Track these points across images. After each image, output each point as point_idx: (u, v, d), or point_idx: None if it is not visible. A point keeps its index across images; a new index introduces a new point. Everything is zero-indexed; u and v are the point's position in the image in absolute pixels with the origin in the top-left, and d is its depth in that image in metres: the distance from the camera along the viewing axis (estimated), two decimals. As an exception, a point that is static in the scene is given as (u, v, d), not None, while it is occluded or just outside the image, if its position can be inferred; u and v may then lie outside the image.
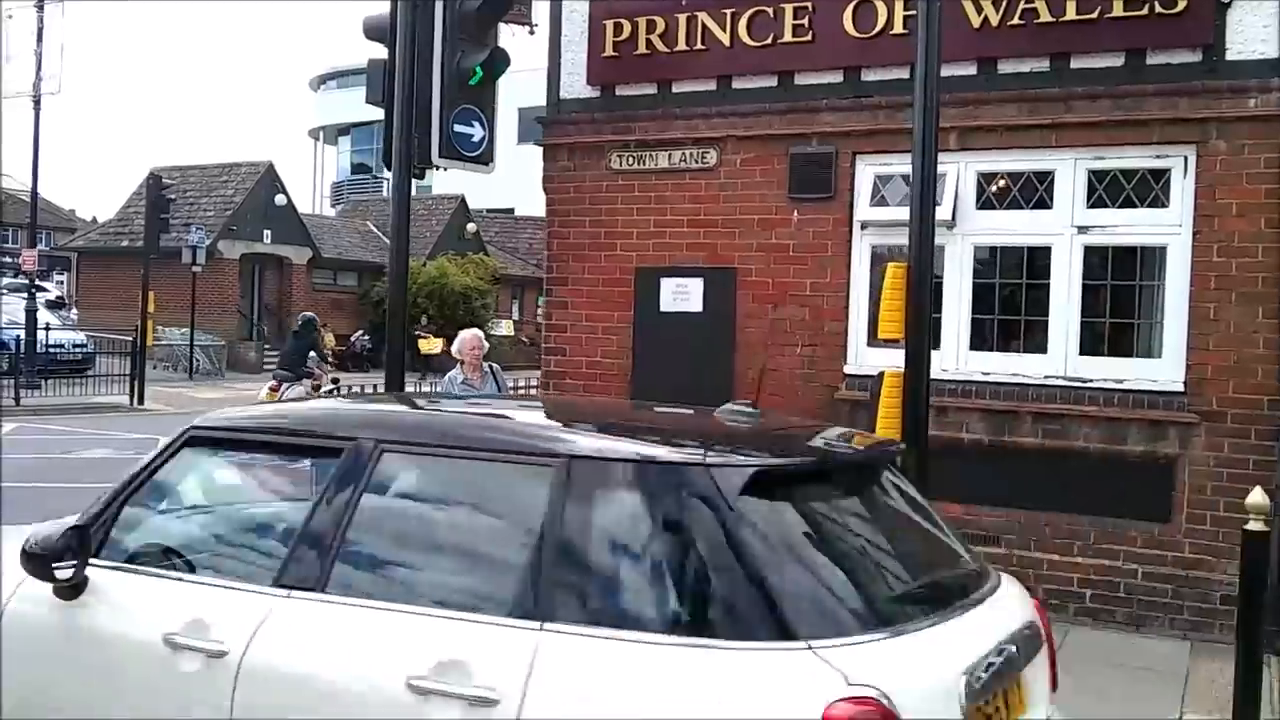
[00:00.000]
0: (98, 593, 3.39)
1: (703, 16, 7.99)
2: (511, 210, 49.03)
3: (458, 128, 7.30)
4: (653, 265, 8.22)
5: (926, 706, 2.58)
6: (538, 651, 2.71)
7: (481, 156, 7.48)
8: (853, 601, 2.79)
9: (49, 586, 3.36)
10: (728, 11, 7.91)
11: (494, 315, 37.93)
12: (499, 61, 7.32)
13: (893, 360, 7.30)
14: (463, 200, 39.96)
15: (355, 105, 67.31)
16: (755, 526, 2.80)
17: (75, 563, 3.34)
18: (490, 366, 8.29)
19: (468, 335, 8.32)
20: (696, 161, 8.09)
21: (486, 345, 8.39)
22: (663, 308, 8.18)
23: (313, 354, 16.31)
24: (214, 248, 29.42)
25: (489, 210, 44.70)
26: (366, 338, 32.97)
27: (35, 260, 23.74)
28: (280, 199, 32.61)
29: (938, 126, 5.69)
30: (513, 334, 39.33)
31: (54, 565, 3.32)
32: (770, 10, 7.79)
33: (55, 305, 35.43)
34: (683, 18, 8.05)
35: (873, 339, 7.65)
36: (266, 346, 31.96)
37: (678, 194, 8.17)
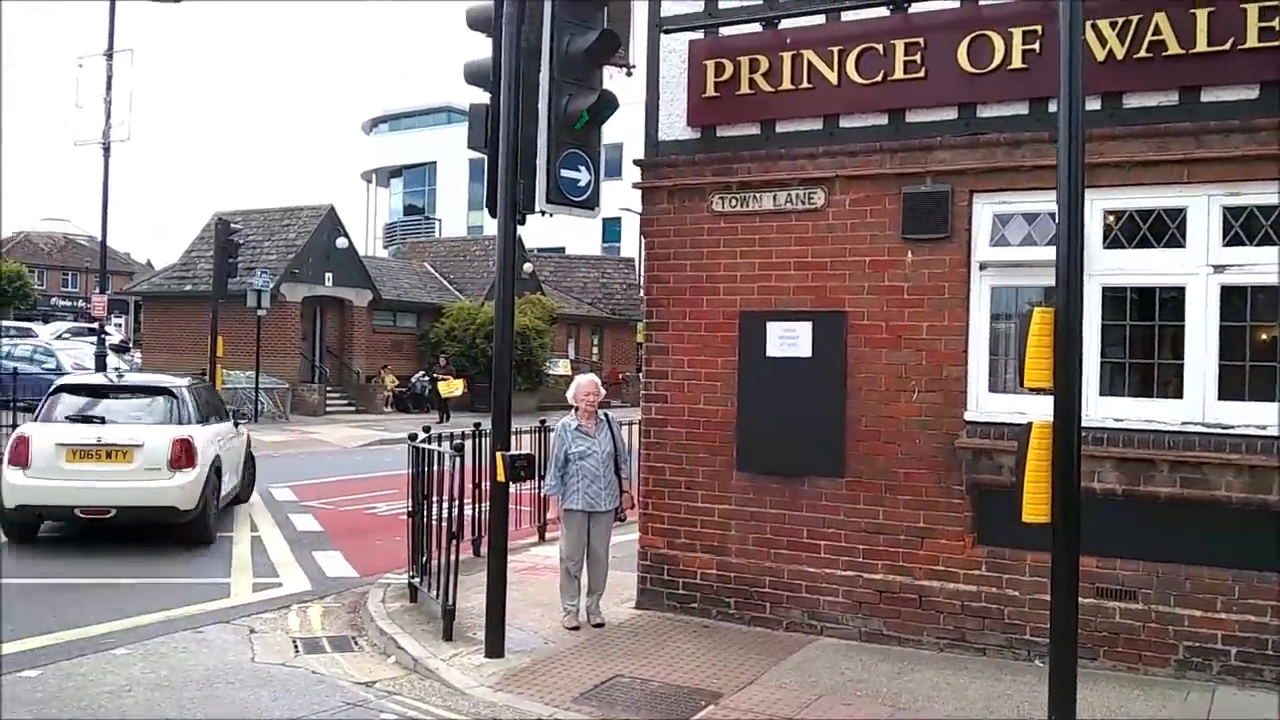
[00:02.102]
0: None
1: (808, 54, 7.80)
2: (563, 249, 49.19)
3: (564, 172, 7.14)
4: (758, 309, 8.00)
5: None
6: None
7: (588, 201, 7.31)
8: None
9: None
10: (835, 49, 7.72)
11: (551, 354, 37.90)
12: (607, 105, 7.17)
13: (1017, 406, 7.08)
14: (520, 241, 40.09)
15: (406, 148, 68.09)
16: None
17: None
18: (605, 414, 8.07)
19: (584, 382, 8.11)
20: (803, 202, 7.88)
21: (603, 392, 8.18)
22: (769, 353, 7.94)
23: None
24: (277, 291, 29.64)
25: (541, 250, 44.85)
26: (427, 379, 33.00)
27: (105, 305, 24.02)
28: (341, 241, 32.86)
29: (1084, 162, 5.43)
30: (569, 373, 39.25)
31: None
32: (880, 47, 7.59)
33: (119, 349, 35.79)
34: (787, 56, 7.87)
35: (994, 385, 7.36)
36: (328, 389, 32.09)
37: (783, 236, 7.95)
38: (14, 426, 16.77)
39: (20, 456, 11.08)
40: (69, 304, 70.33)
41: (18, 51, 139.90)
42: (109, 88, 23.78)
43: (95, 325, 23.97)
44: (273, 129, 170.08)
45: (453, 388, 30.31)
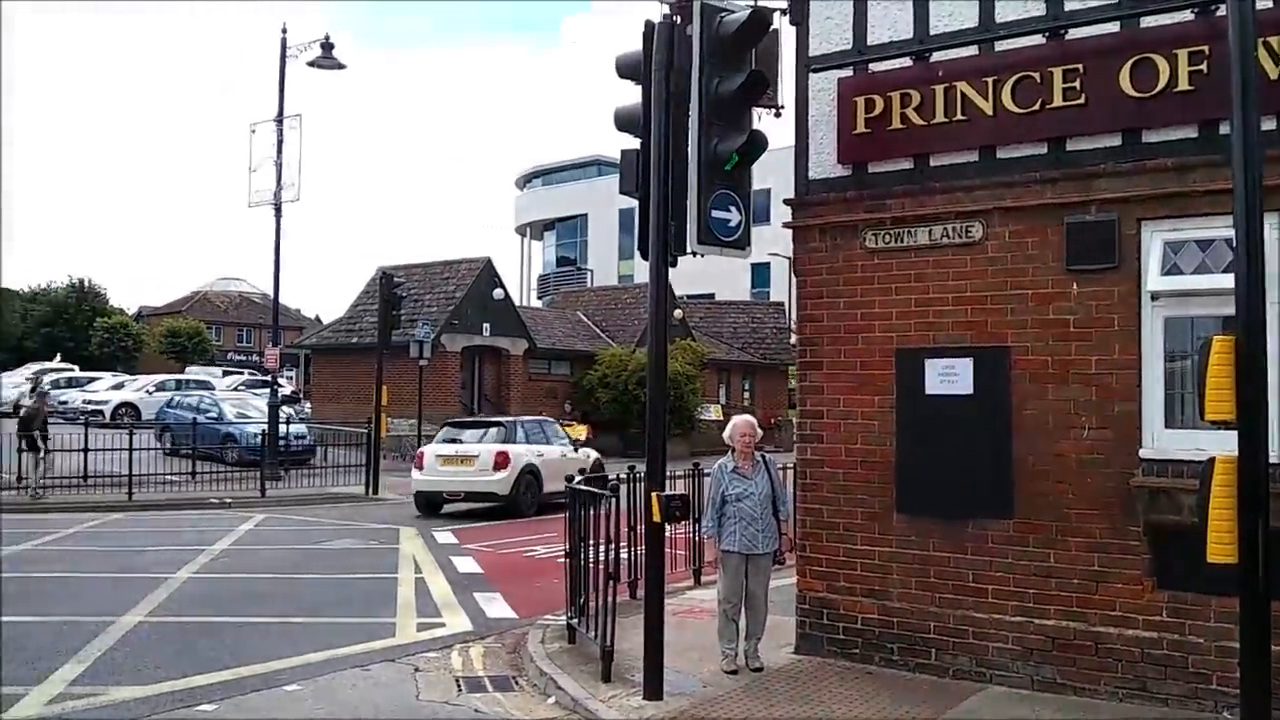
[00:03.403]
0: None
1: (962, 86, 7.66)
2: (712, 295, 49.33)
3: (715, 213, 7.17)
4: (915, 346, 7.84)
5: None
6: None
7: (738, 241, 7.31)
8: None
9: None
10: (989, 80, 7.56)
11: (702, 400, 37.94)
12: (756, 145, 7.18)
13: (1195, 442, 6.69)
14: (669, 288, 40.42)
15: (558, 201, 69.71)
16: None
17: None
18: (762, 455, 8.01)
19: (740, 422, 8.08)
20: (960, 236, 7.70)
21: (760, 433, 8.13)
22: (928, 390, 7.76)
23: None
24: (437, 341, 30.62)
25: (690, 296, 45.09)
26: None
27: (278, 358, 25.22)
28: (498, 293, 33.78)
29: (1261, 184, 5.16)
30: (720, 418, 39.16)
31: None
32: (1037, 75, 7.40)
33: (290, 399, 37.50)
34: (940, 89, 7.75)
35: (1170, 420, 7.00)
36: (486, 436, 32.87)
37: (940, 271, 7.79)
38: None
39: (419, 463, 19.79)
40: (243, 358, 74.19)
41: (198, 124, 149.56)
42: (279, 151, 25.12)
43: (269, 377, 25.16)
44: (431, 187, 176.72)
45: (578, 434, 30.50)
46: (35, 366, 49.64)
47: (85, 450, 22.39)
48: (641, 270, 58.04)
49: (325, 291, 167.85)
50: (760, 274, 52.67)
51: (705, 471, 11.66)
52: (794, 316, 42.19)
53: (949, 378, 7.68)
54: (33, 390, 24.66)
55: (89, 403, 38.16)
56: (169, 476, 22.84)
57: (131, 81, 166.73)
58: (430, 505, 19.45)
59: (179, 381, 39.82)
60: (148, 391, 37.86)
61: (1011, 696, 7.23)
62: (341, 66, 24.20)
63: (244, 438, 25.85)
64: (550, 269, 68.14)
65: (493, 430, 20.16)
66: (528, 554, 14.74)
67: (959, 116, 7.68)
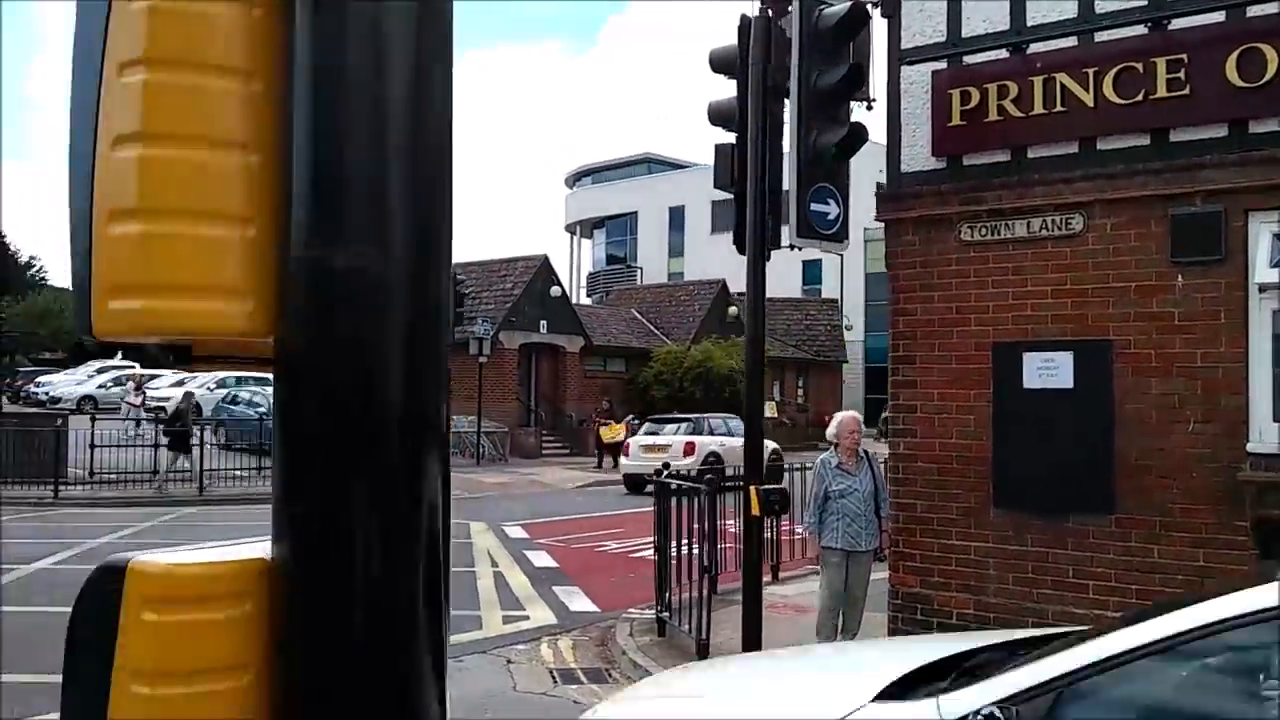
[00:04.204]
0: None
1: (1061, 77, 7.59)
2: (766, 292, 49.17)
3: (814, 206, 7.18)
4: (1013, 340, 7.77)
5: None
6: None
7: (837, 234, 7.32)
8: None
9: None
10: (1089, 71, 7.49)
11: (757, 397, 37.82)
12: (857, 137, 7.18)
13: (1308, 437, 6.59)
14: (724, 285, 40.39)
15: (608, 200, 69.79)
16: None
17: None
18: (865, 452, 8.00)
19: (846, 419, 8.08)
20: (1060, 228, 7.64)
21: (864, 429, 8.12)
22: (1026, 385, 7.69)
23: None
24: (496, 338, 30.79)
25: (741, 294, 44.93)
26: (637, 421, 33.47)
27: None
28: (555, 290, 33.93)
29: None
30: (774, 415, 39.07)
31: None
32: (1139, 66, 7.31)
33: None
34: (1038, 80, 7.68)
35: (1279, 414, 6.91)
36: (544, 432, 33.02)
37: (1038, 264, 7.72)
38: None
39: (625, 451, 25.14)
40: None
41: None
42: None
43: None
44: (479, 186, 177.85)
45: (615, 432, 30.41)
46: (96, 364, 50.55)
47: (156, 446, 22.79)
48: (692, 268, 57.82)
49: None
50: (812, 271, 52.44)
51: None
52: (844, 310, 41.81)
53: (1048, 372, 7.61)
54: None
55: (153, 400, 38.85)
56: (236, 471, 23.18)
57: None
58: (635, 485, 23.20)
59: (239, 378, 40.35)
60: (209, 389, 38.42)
61: (1114, 693, 7.15)
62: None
63: None
64: (600, 266, 68.26)
65: (684, 424, 25.62)
66: (599, 549, 14.82)
67: (1058, 108, 7.61)
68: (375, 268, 1.32)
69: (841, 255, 47.50)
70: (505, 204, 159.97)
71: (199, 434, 22.44)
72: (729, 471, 19.93)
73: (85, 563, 12.83)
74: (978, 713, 3.07)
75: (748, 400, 7.47)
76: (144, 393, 31.21)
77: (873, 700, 3.41)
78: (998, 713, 3.05)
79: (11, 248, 77.47)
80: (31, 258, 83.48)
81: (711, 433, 25.47)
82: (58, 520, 17.29)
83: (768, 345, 40.91)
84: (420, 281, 1.37)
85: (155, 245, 1.27)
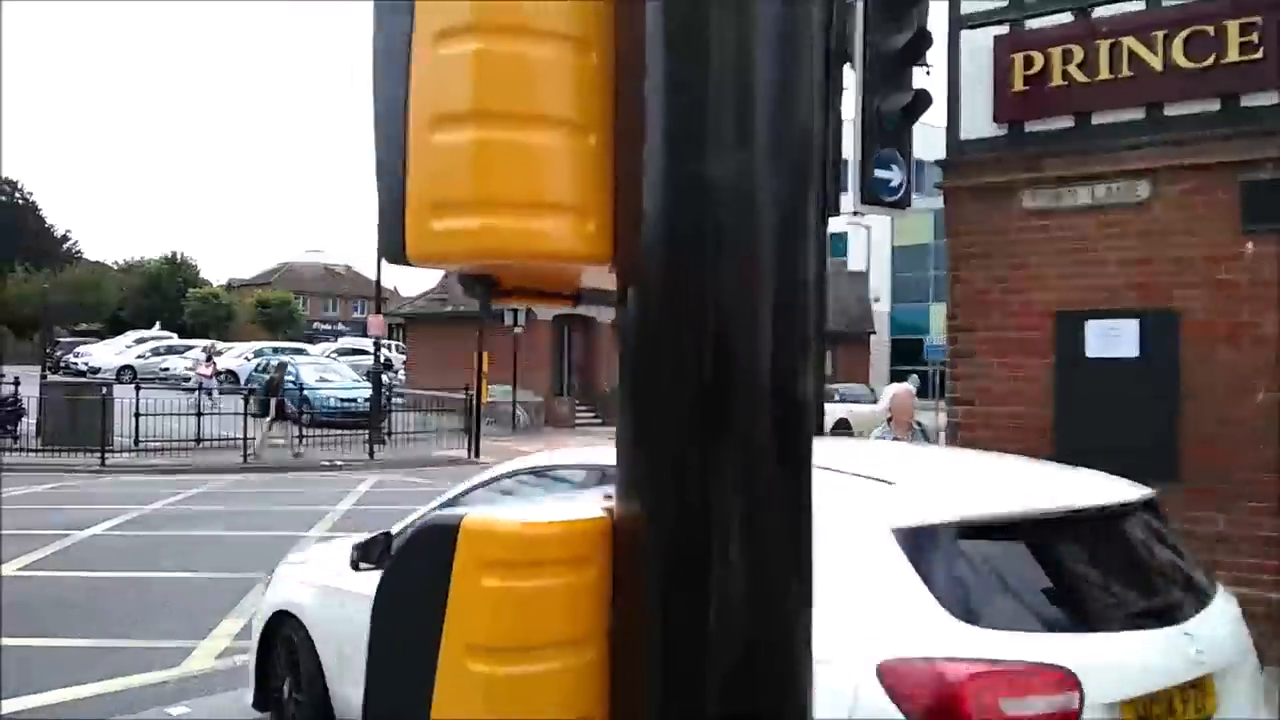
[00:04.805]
0: None
1: (1128, 42, 7.47)
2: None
3: (878, 172, 7.11)
4: (1075, 309, 7.70)
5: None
6: None
7: (900, 200, 7.25)
8: None
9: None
10: (1158, 34, 7.36)
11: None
12: (922, 102, 7.10)
13: (1382, 406, 6.50)
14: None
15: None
16: None
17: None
18: (919, 424, 7.97)
19: (901, 392, 8.04)
20: (1125, 196, 7.54)
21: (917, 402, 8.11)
22: (1089, 353, 7.63)
23: None
24: (530, 309, 30.82)
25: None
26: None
27: (382, 325, 25.61)
28: (588, 261, 33.90)
29: None
30: (809, 388, 39.00)
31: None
32: (1210, 29, 7.18)
33: (385, 367, 38.16)
34: (1104, 45, 7.56)
35: (1353, 383, 6.81)
36: (577, 403, 33.12)
37: (1102, 231, 7.63)
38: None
39: None
40: (329, 328, 75.58)
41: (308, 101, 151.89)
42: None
43: (372, 345, 25.55)
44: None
45: None
46: (135, 334, 51.18)
47: (199, 414, 23.04)
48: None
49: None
50: (837, 244, 52.02)
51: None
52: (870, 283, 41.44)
53: (1112, 340, 7.54)
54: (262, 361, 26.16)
55: (189, 369, 39.25)
56: (277, 441, 23.38)
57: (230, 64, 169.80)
58: None
59: (275, 349, 40.72)
60: (245, 359, 38.80)
61: (1177, 663, 7.11)
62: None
63: (318, 401, 26.90)
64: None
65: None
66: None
67: (1125, 73, 7.49)
68: (752, 183, 1.14)
69: (868, 228, 47.27)
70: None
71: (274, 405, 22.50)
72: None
73: (138, 529, 13.04)
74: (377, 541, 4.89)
75: (815, 373, 7.43)
76: (214, 363, 31.61)
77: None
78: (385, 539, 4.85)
79: (48, 221, 78.44)
80: (67, 231, 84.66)
81: (843, 400, 28.63)
82: (106, 487, 17.53)
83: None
84: (795, 200, 1.17)
85: (490, 154, 1.12)
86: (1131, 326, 7.47)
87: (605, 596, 1.23)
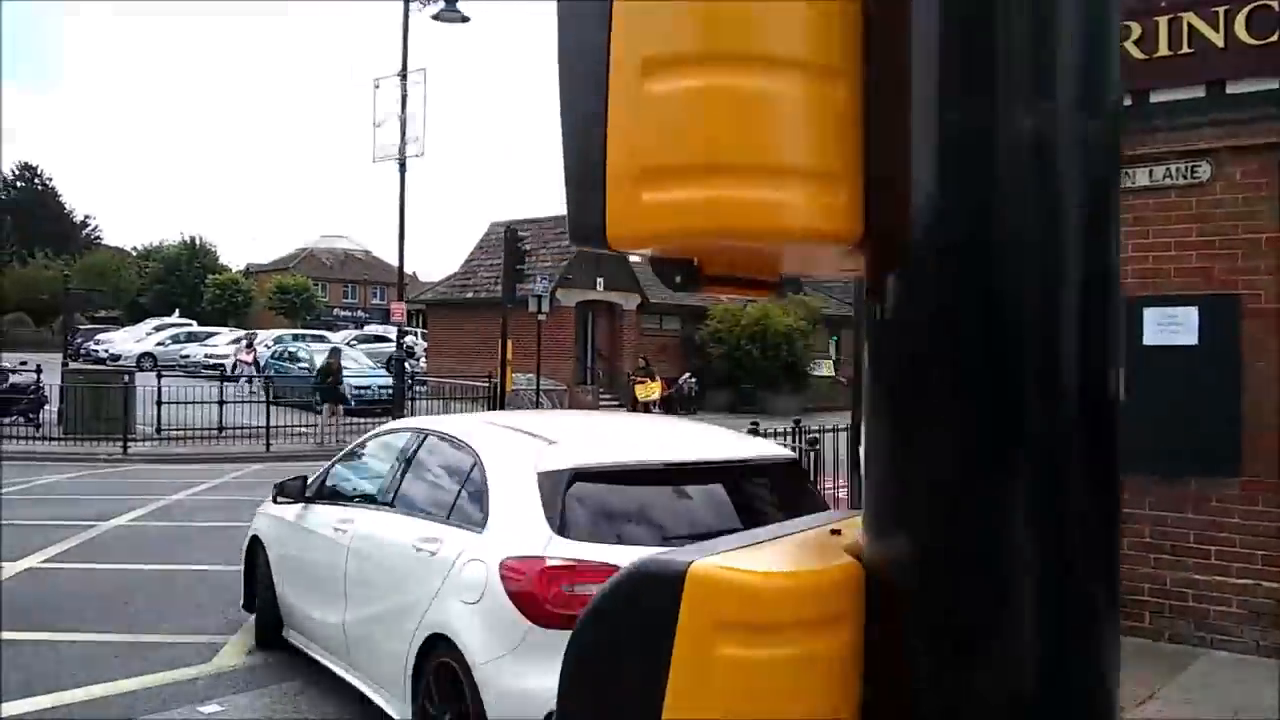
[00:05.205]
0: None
1: (1188, 17, 7.18)
2: (820, 249, 48.64)
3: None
4: (1132, 294, 7.43)
5: None
6: None
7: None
8: None
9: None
10: (1220, 9, 7.07)
11: (814, 356, 37.50)
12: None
13: None
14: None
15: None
16: None
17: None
18: None
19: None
20: (1185, 176, 7.26)
21: None
22: (1146, 340, 7.36)
23: None
24: (553, 296, 30.64)
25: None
26: (694, 380, 33.30)
27: (404, 312, 25.45)
28: (611, 247, 33.65)
29: None
30: (832, 374, 38.72)
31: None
32: (1274, 4, 6.88)
33: (408, 354, 38.05)
34: (1163, 20, 7.28)
35: None
36: (600, 390, 32.93)
37: (1161, 214, 7.36)
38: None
39: None
40: (348, 314, 75.58)
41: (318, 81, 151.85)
42: (404, 107, 25.12)
43: (395, 331, 25.41)
44: (534, 139, 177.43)
45: (649, 392, 29.79)
46: (154, 321, 51.24)
47: (221, 403, 22.94)
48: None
49: (423, 248, 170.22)
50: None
51: (808, 429, 11.47)
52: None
53: (1170, 327, 7.27)
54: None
55: (210, 357, 39.26)
56: (301, 428, 23.29)
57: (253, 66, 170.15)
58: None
59: (295, 335, 40.65)
60: (266, 346, 38.72)
61: (1238, 663, 6.88)
62: (465, 19, 24.01)
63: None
64: (650, 224, 67.89)
65: None
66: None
67: (1185, 49, 7.21)
68: (1055, 144, 0.92)
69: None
70: (552, 162, 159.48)
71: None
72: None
73: (164, 519, 12.92)
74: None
75: (856, 341, 7.20)
76: (255, 350, 31.62)
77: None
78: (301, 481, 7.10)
79: (67, 206, 78.66)
80: (87, 216, 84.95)
81: None
82: (129, 477, 17.45)
83: (823, 302, 40.42)
84: (1108, 167, 0.95)
85: (723, 106, 0.90)
86: (1191, 313, 7.20)
87: (858, 666, 0.99)
